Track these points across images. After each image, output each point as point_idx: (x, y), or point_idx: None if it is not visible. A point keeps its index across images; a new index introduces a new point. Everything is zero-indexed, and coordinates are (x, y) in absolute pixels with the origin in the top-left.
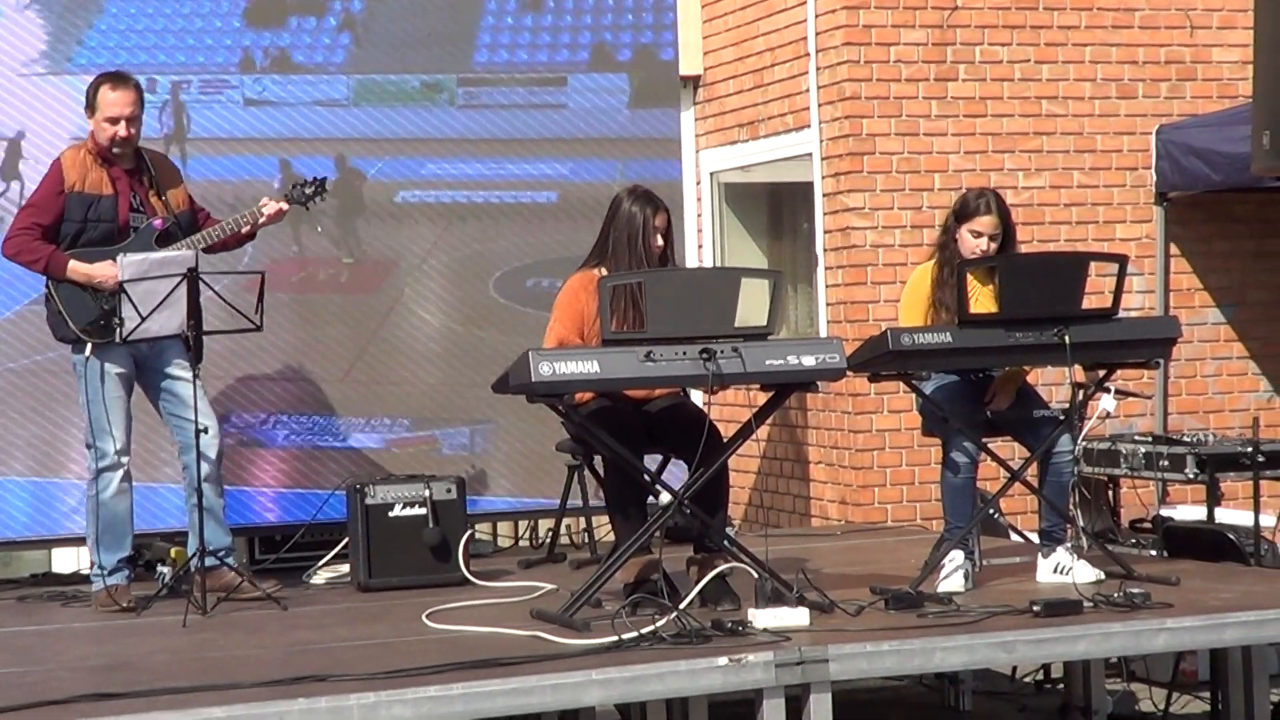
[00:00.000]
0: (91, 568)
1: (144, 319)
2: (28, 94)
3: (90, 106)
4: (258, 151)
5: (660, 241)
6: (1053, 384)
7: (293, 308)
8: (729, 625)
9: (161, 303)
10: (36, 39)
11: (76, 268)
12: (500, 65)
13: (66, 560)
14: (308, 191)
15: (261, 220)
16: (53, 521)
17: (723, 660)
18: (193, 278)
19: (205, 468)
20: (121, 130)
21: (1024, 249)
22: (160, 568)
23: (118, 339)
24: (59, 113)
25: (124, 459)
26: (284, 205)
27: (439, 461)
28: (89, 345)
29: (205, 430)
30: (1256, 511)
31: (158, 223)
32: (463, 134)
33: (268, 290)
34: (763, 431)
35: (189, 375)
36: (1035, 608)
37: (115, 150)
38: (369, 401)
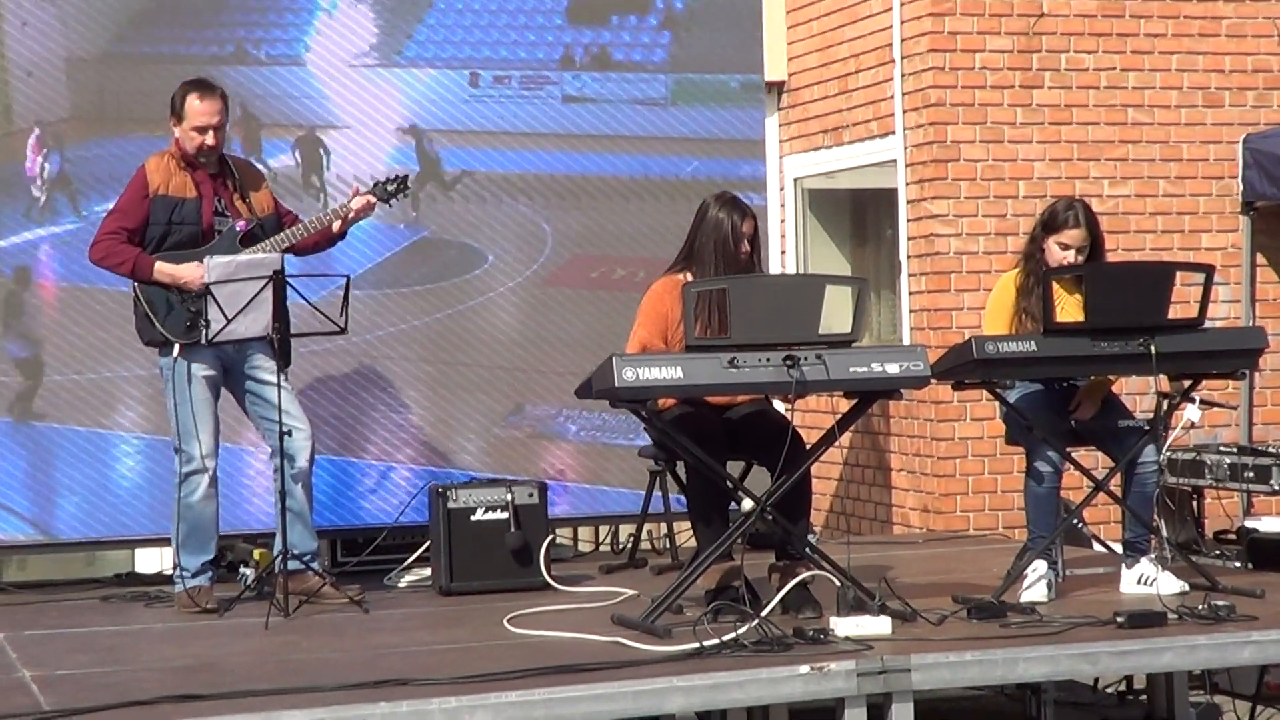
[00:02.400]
0: (175, 569)
1: (229, 321)
2: (357, 85)
3: (177, 114)
4: (576, 148)
5: (747, 247)
6: (1137, 394)
7: (590, 303)
8: (811, 633)
9: (247, 305)
10: (368, 32)
11: (163, 269)
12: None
13: (150, 560)
14: (390, 189)
15: (350, 216)
16: (350, 501)
17: (804, 668)
18: (278, 280)
19: (292, 470)
20: (209, 139)
21: (1109, 258)
22: (243, 569)
23: (204, 341)
24: (386, 104)
25: (210, 463)
26: (371, 198)
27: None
28: (176, 348)
29: (290, 433)
30: None
31: (241, 225)
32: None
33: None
34: (845, 439)
35: (275, 378)
36: (1119, 619)
37: (201, 158)
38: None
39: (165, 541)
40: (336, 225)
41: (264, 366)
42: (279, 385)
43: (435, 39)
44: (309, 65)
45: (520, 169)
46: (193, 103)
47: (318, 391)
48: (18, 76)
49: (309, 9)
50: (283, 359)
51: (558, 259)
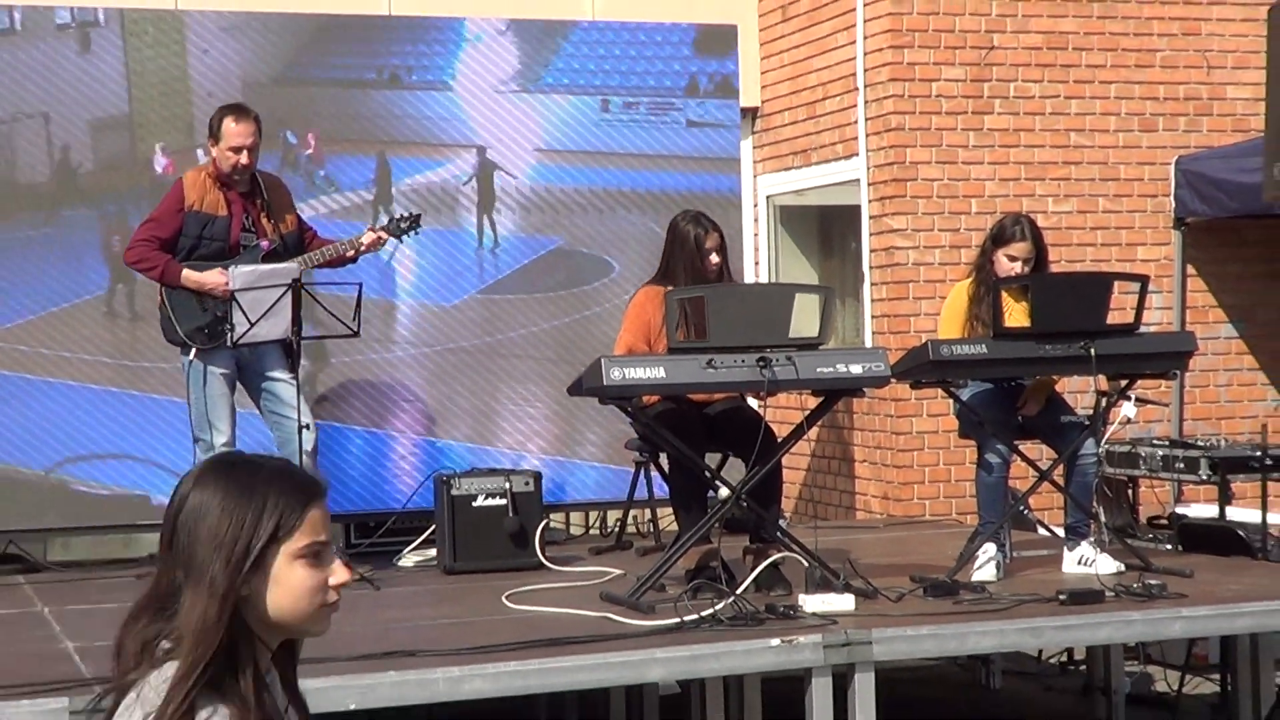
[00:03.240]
0: None
1: (253, 325)
2: (499, 108)
3: (214, 135)
4: (700, 169)
5: (715, 259)
6: (1078, 392)
7: None
8: (781, 609)
9: (268, 311)
10: (511, 60)
11: (189, 276)
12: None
13: None
14: (403, 226)
15: (362, 248)
16: None
17: (775, 641)
18: (297, 287)
19: (305, 461)
20: (243, 159)
21: (1053, 269)
22: None
23: (229, 343)
24: (526, 126)
25: (230, 450)
26: (383, 235)
27: None
28: (194, 349)
29: (306, 428)
30: (1264, 510)
31: (265, 243)
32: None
33: None
34: (813, 432)
35: (288, 377)
36: (1061, 596)
37: (234, 176)
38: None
39: None
40: (350, 253)
41: (277, 367)
42: (297, 385)
43: (571, 68)
44: (455, 90)
45: (646, 187)
46: (229, 125)
47: (458, 384)
48: (199, 98)
49: (456, 40)
50: (296, 360)
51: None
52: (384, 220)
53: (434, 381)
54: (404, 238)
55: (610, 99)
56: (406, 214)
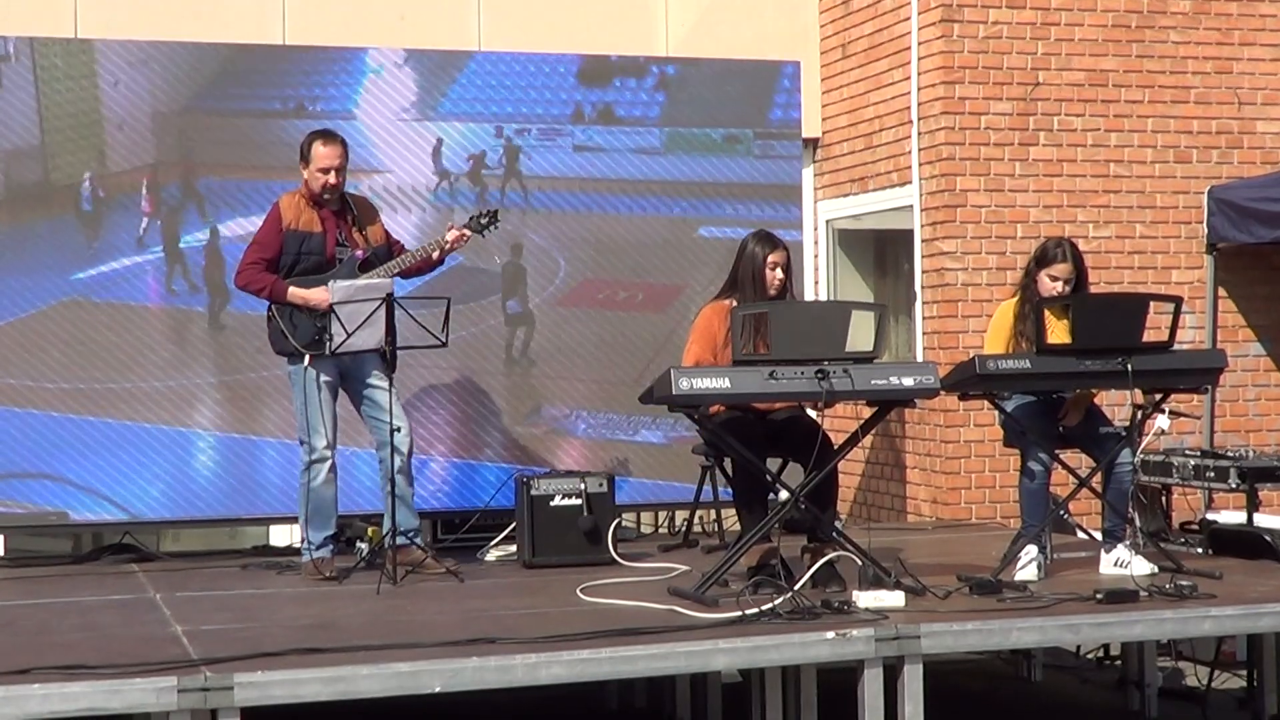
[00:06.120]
0: (302, 542)
1: (349, 335)
2: (397, 136)
3: (304, 159)
4: (585, 190)
5: (781, 275)
6: (1115, 405)
7: (596, 321)
8: (836, 604)
9: (364, 322)
10: (409, 90)
11: (296, 292)
12: (792, 123)
13: (281, 535)
14: (483, 222)
15: (448, 246)
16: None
17: (830, 634)
18: (390, 301)
19: (398, 461)
20: (331, 179)
21: (1092, 290)
22: (359, 544)
23: (327, 352)
24: (423, 150)
25: (330, 453)
26: (465, 232)
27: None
28: (306, 358)
29: (398, 430)
30: None
31: (359, 253)
32: (756, 180)
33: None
34: (866, 440)
35: (385, 384)
36: (1098, 595)
37: (325, 195)
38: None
39: (294, 519)
40: (436, 254)
41: (376, 375)
42: (389, 391)
43: (466, 97)
44: (359, 119)
45: (537, 207)
46: (318, 148)
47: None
48: (111, 127)
49: (359, 71)
50: (390, 367)
51: (570, 283)
52: (464, 219)
53: None
54: (484, 233)
55: (502, 126)
56: (486, 210)
